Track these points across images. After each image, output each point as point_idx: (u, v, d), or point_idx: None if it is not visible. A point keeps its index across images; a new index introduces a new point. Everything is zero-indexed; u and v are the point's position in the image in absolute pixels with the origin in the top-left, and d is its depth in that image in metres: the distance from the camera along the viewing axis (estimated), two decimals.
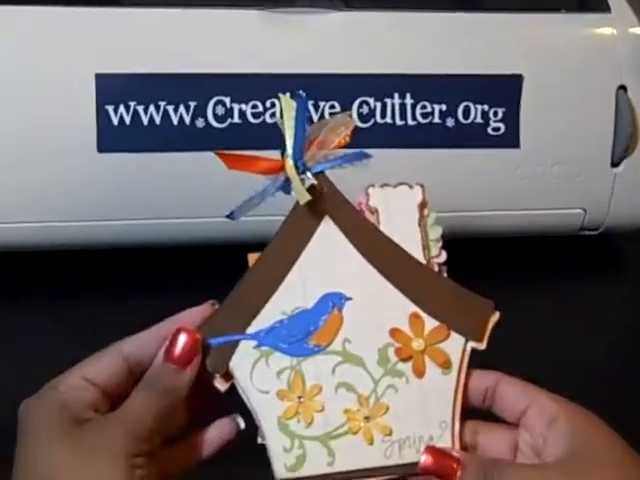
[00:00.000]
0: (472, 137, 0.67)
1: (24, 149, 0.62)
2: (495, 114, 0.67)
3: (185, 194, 0.65)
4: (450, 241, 0.52)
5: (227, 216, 0.49)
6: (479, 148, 0.67)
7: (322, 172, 0.49)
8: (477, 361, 0.50)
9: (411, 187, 0.51)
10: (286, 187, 0.49)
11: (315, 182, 0.49)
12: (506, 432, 0.50)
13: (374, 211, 0.51)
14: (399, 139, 0.66)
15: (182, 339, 0.47)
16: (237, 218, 0.49)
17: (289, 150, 0.48)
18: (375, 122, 0.65)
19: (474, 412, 0.50)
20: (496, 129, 0.67)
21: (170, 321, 0.49)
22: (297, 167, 0.48)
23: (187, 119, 0.62)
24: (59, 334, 0.67)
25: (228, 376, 0.48)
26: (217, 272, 0.55)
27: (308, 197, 0.48)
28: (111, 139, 0.63)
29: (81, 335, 0.64)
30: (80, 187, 0.63)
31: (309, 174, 0.49)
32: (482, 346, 0.50)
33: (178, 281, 0.70)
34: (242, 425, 0.50)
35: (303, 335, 0.49)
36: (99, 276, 0.71)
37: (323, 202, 0.49)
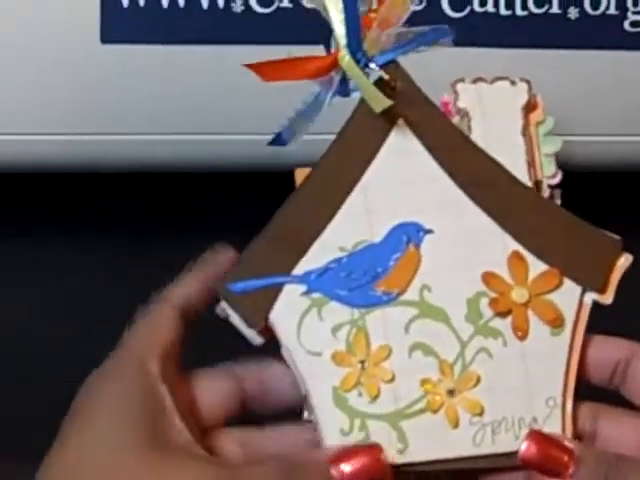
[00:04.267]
0: (603, 34, 0.58)
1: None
2: (635, 3, 0.58)
3: (214, 102, 0.56)
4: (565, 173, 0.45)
5: (271, 143, 0.42)
6: (612, 49, 0.57)
7: (393, 61, 0.42)
8: (596, 323, 0.43)
9: (513, 83, 0.45)
10: (343, 88, 0.42)
11: (385, 75, 0.41)
12: (637, 421, 0.43)
13: (464, 114, 0.44)
14: (503, 35, 0.56)
15: (361, 465, 0.40)
16: (287, 143, 0.42)
17: (341, 38, 0.41)
18: (472, 10, 0.56)
19: (596, 393, 0.44)
20: (636, 24, 0.58)
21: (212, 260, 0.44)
22: (356, 60, 0.41)
23: (221, 1, 0.54)
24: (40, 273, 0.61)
25: (266, 329, 0.41)
26: (252, 204, 0.48)
27: (388, 102, 0.40)
28: (119, 26, 0.55)
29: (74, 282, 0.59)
30: (79, 90, 0.55)
31: (373, 65, 0.41)
32: (607, 299, 0.43)
33: (200, 214, 0.63)
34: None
35: (368, 279, 0.41)
36: (101, 206, 0.64)
37: (396, 102, 0.41)
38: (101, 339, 0.42)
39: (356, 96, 0.42)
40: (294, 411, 0.42)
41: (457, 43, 0.43)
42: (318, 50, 0.42)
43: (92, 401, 0.40)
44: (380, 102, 0.40)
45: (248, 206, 0.50)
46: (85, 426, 0.40)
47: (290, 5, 0.54)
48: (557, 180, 0.44)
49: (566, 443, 0.41)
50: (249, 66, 0.41)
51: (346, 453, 0.40)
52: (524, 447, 0.40)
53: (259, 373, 0.43)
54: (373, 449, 0.40)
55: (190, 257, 0.44)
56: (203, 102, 0.55)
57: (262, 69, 0.41)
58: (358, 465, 0.40)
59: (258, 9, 0.54)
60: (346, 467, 0.39)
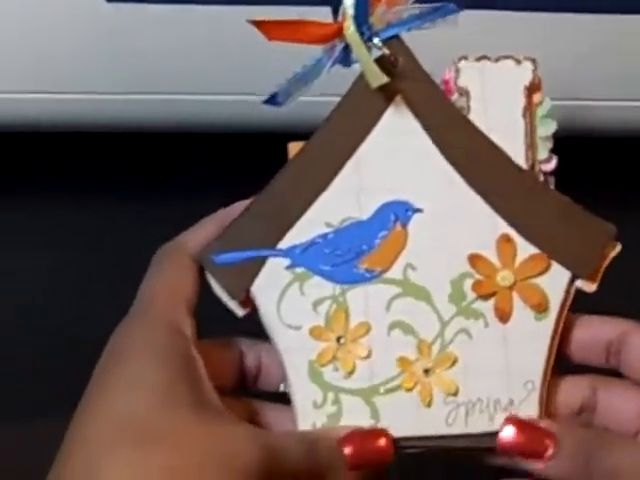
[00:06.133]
0: None
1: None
2: None
3: (221, 62, 0.55)
4: (566, 139, 0.43)
5: (266, 101, 0.41)
6: (629, 14, 0.54)
7: (396, 37, 0.42)
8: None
9: (518, 62, 0.43)
10: (345, 58, 0.41)
11: (386, 51, 0.41)
12: (636, 392, 0.43)
13: (464, 93, 0.43)
14: None
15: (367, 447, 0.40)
16: (282, 104, 0.42)
17: (349, 9, 0.40)
18: None
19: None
20: None
21: (225, 213, 0.43)
22: (361, 33, 0.40)
23: None
24: (49, 235, 0.61)
25: (248, 301, 0.42)
26: (247, 167, 0.48)
27: (384, 79, 0.40)
28: None
29: (81, 235, 0.59)
30: (84, 50, 0.54)
31: (377, 41, 0.41)
32: (593, 287, 0.42)
33: (194, 177, 0.62)
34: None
35: (353, 255, 0.41)
36: (99, 165, 0.63)
37: (396, 78, 0.41)
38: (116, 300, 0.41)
39: (357, 67, 0.41)
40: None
41: (462, 6, 0.42)
42: (327, 13, 0.41)
43: (127, 355, 0.39)
44: (377, 78, 0.40)
45: (258, 166, 0.50)
46: (122, 382, 0.38)
47: None
48: (552, 166, 0.42)
49: (546, 426, 0.40)
50: (254, 22, 0.40)
51: (356, 435, 0.40)
52: (503, 433, 0.40)
53: (258, 353, 0.44)
54: (381, 434, 0.41)
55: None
56: (209, 62, 0.54)
57: (267, 27, 0.41)
58: (365, 447, 0.40)
59: None
60: (354, 448, 0.40)
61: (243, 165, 0.59)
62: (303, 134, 0.42)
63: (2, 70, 0.54)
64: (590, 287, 0.42)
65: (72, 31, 0.53)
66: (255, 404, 0.44)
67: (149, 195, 0.62)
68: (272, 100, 0.42)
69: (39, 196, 0.62)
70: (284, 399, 0.42)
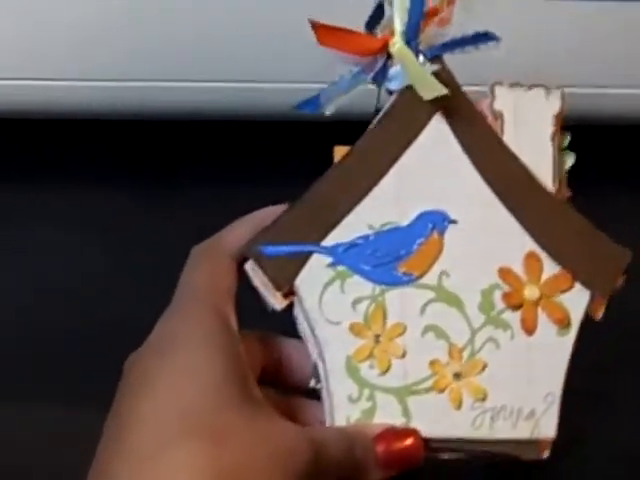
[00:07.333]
0: None
1: None
2: None
3: (226, 49, 0.55)
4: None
5: (301, 106, 0.43)
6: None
7: (439, 57, 0.43)
8: None
9: (549, 91, 0.45)
10: (380, 75, 0.43)
11: (434, 68, 0.42)
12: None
13: (498, 116, 0.44)
14: None
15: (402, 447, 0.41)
16: (319, 110, 0.42)
17: (398, 25, 0.42)
18: None
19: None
20: None
21: (257, 216, 0.44)
22: (411, 49, 0.42)
23: None
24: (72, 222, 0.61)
25: (289, 294, 0.43)
26: (290, 159, 0.49)
27: (443, 90, 0.41)
28: None
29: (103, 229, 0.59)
30: (94, 34, 0.54)
31: (422, 58, 0.43)
32: (600, 312, 0.44)
33: (231, 169, 0.62)
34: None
35: (391, 259, 0.43)
36: (119, 155, 0.62)
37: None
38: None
39: (387, 87, 0.43)
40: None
41: None
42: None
43: (178, 343, 0.39)
44: (433, 89, 0.41)
45: (284, 154, 0.49)
46: (178, 370, 0.38)
47: None
48: (568, 194, 0.44)
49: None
50: (314, 24, 0.41)
51: (389, 433, 0.41)
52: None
53: (280, 349, 0.45)
54: (413, 434, 0.41)
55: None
56: (216, 49, 0.55)
57: (321, 31, 0.41)
58: (397, 445, 0.41)
59: None
60: (386, 446, 0.41)
61: (265, 153, 0.59)
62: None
63: (20, 57, 0.54)
64: (598, 313, 0.44)
65: (77, 18, 0.53)
66: (277, 397, 0.44)
67: (171, 183, 0.62)
68: (309, 105, 0.43)
69: (58, 181, 0.62)
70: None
